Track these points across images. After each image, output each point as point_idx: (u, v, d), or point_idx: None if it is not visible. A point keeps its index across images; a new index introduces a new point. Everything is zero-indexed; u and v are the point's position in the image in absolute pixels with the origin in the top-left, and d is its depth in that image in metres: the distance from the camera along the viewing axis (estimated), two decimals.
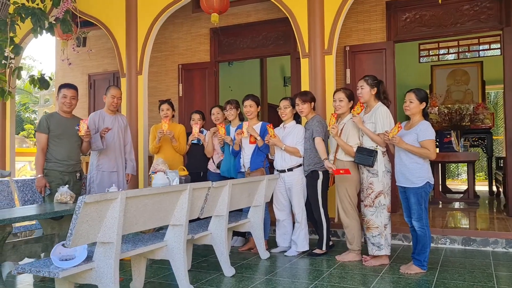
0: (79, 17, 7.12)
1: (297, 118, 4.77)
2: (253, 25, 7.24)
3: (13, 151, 7.90)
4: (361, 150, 4.09)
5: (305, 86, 5.54)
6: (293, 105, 4.67)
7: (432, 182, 3.83)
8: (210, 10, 5.85)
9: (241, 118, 5.16)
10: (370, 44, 6.38)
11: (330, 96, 5.42)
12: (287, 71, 11.72)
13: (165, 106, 5.34)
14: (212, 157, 5.29)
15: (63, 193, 3.80)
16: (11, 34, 6.33)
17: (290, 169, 4.57)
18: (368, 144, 4.09)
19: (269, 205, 4.84)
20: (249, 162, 4.74)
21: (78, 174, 4.46)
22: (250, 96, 4.92)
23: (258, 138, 4.69)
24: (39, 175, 4.26)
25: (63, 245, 2.62)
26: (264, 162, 4.78)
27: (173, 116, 5.47)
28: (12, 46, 6.46)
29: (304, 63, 5.61)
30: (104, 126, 4.84)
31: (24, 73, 26.05)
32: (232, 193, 3.88)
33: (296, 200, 4.56)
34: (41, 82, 7.01)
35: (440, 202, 7.46)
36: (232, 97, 8.08)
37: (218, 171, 5.20)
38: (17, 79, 7.11)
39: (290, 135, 4.61)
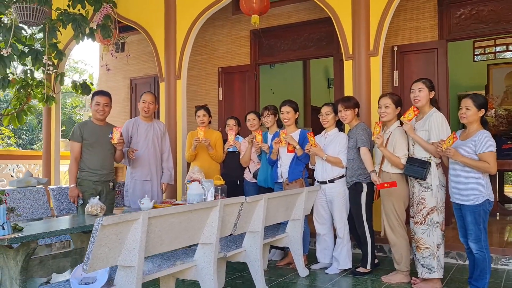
0: (119, 22, 7.12)
1: (339, 125, 4.45)
2: (294, 26, 6.96)
3: (58, 155, 8.01)
4: (412, 160, 3.72)
5: (348, 90, 5.20)
6: (336, 111, 4.35)
7: (492, 199, 3.40)
8: (250, 12, 5.62)
9: (280, 124, 4.90)
10: (420, 44, 5.93)
11: (375, 101, 5.05)
12: (331, 73, 11.32)
13: (201, 113, 5.16)
14: (248, 166, 5.06)
15: (94, 205, 3.68)
16: (54, 40, 6.40)
17: (332, 181, 4.25)
18: (420, 154, 3.71)
19: (309, 216, 4.55)
20: (287, 172, 4.47)
21: (111, 184, 4.36)
22: (287, 101, 4.64)
23: (297, 147, 4.41)
24: (72, 185, 4.18)
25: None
26: (303, 172, 4.49)
27: (209, 122, 5.30)
28: (55, 52, 6.54)
29: (348, 65, 5.26)
30: (138, 134, 4.72)
31: (76, 77, 26.95)
32: (268, 207, 3.62)
33: (338, 213, 4.24)
34: (83, 88, 7.07)
35: (498, 214, 6.87)
36: (274, 101, 7.82)
37: (254, 180, 4.97)
38: (60, 85, 7.19)
39: (332, 143, 4.30)
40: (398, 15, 5.89)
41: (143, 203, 4.05)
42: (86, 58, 44.36)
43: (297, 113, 4.66)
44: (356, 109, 4.29)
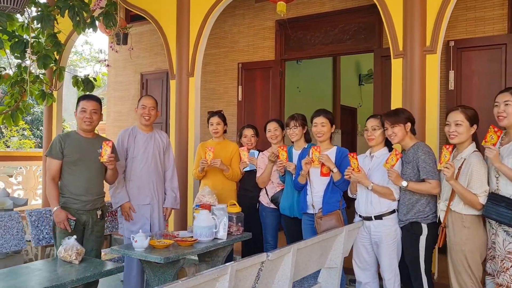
0: (129, 10, 6.27)
1: (390, 144, 3.46)
2: (328, 16, 5.95)
3: None
4: (496, 198, 2.73)
5: (396, 96, 4.19)
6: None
7: None
8: None
9: (307, 138, 3.95)
10: (483, 38, 4.86)
11: (432, 110, 4.06)
12: (363, 68, 10.29)
13: (214, 120, 4.25)
14: (265, 187, 4.14)
15: (68, 248, 2.82)
16: (55, 30, 5.61)
17: (379, 217, 3.27)
18: (508, 190, 2.72)
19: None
20: (321, 201, 3.52)
21: (99, 212, 3.47)
22: (322, 111, 3.68)
23: (335, 170, 3.45)
24: (55, 208, 3.28)
25: None
26: (341, 202, 3.53)
27: (225, 131, 4.38)
28: (53, 43, 5.75)
29: (397, 64, 4.24)
30: (135, 146, 3.84)
31: (97, 68, 26.17)
32: (297, 259, 2.69)
33: (386, 260, 3.26)
34: (85, 84, 6.24)
35: None
36: (300, 100, 6.85)
37: (272, 205, 4.06)
38: (59, 81, 6.40)
39: (380, 168, 3.31)
40: (456, 3, 4.82)
41: (136, 241, 3.18)
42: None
43: (333, 126, 3.69)
44: (409, 124, 3.28)
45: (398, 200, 3.25)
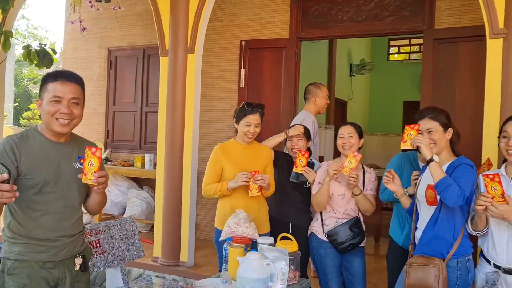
0: None
1: None
2: None
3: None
4: None
5: (493, 88, 3.12)
6: None
7: None
8: None
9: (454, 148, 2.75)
10: None
11: None
12: (354, 57, 9.30)
13: (253, 119, 2.93)
14: (322, 212, 2.94)
15: None
16: None
17: None
18: None
19: None
20: (420, 234, 2.34)
21: (79, 261, 2.08)
22: (430, 109, 2.50)
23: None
24: None
25: None
26: (453, 247, 2.30)
27: None
28: None
29: (494, 46, 3.16)
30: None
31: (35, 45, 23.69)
32: None
33: None
34: (41, 56, 4.69)
35: None
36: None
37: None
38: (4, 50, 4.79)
39: None
40: None
41: None
42: (48, 24, 40.64)
43: (448, 130, 2.45)
44: None
45: None
